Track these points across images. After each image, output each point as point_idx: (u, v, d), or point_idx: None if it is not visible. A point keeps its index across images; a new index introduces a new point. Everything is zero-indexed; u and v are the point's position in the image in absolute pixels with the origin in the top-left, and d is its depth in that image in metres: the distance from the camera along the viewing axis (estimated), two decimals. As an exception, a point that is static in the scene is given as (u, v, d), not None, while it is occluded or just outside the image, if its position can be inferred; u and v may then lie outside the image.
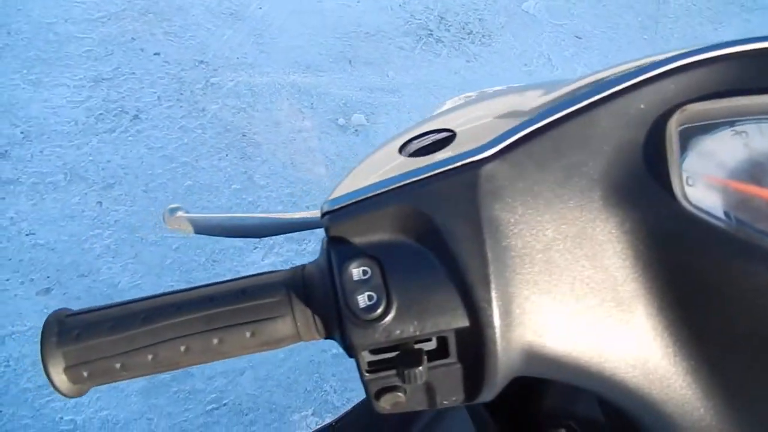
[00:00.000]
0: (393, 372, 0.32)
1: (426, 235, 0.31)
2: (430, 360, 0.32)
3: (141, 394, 1.48)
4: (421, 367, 0.31)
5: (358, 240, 0.32)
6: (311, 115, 2.12)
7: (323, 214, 0.33)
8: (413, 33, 2.48)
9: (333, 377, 1.56)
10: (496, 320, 0.30)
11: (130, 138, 1.96)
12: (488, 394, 0.33)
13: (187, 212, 0.46)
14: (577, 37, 2.59)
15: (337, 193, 0.33)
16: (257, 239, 1.59)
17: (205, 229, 0.44)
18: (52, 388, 0.34)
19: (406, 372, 0.31)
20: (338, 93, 2.20)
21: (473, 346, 0.31)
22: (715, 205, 0.30)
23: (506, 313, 0.30)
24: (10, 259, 1.67)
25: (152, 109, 2.04)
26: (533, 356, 0.31)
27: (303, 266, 0.35)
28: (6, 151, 1.88)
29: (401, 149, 0.37)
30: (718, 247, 0.30)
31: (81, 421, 1.43)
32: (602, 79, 0.32)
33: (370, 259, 0.31)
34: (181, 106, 2.06)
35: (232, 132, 2.02)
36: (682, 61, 0.31)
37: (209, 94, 2.11)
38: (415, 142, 0.37)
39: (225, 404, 1.49)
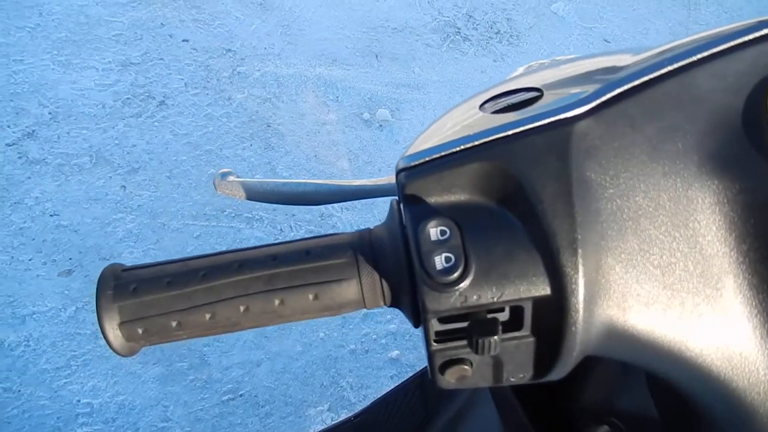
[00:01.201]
0: (463, 342, 0.30)
1: (509, 195, 0.29)
2: (502, 332, 0.30)
3: (158, 381, 1.49)
4: (495, 337, 0.29)
5: (434, 200, 0.30)
6: (336, 108, 2.11)
7: (398, 172, 0.31)
8: (440, 30, 2.46)
9: (350, 373, 1.56)
10: (581, 288, 0.28)
11: (156, 123, 1.96)
12: (559, 372, 0.32)
13: (239, 177, 0.45)
14: (605, 40, 2.55)
15: (412, 150, 0.32)
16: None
17: (257, 195, 0.43)
18: (106, 344, 0.33)
19: (480, 341, 0.29)
20: (364, 87, 2.19)
21: (551, 317, 0.29)
22: None
23: (592, 282, 0.28)
24: (33, 239, 1.68)
25: (179, 95, 2.05)
26: (613, 332, 0.30)
27: (370, 229, 0.34)
28: (33, 131, 1.89)
29: (482, 107, 0.35)
30: None
31: (97, 404, 1.44)
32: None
33: (448, 219, 0.29)
34: (207, 94, 2.06)
35: (256, 122, 2.01)
36: None
37: (236, 83, 2.11)
38: (499, 100, 0.35)
39: (241, 395, 1.49)
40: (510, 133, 0.30)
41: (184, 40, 2.20)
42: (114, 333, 0.32)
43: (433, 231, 0.29)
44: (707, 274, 0.30)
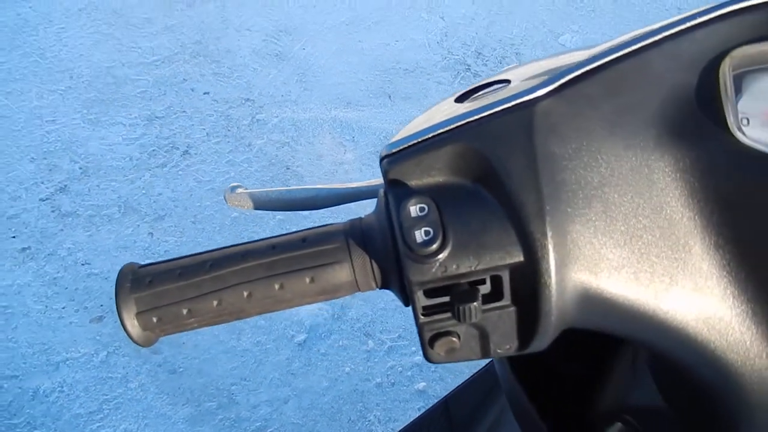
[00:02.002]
0: (447, 315, 0.32)
1: (481, 173, 0.32)
2: (485, 303, 0.32)
3: (187, 421, 1.50)
4: (475, 303, 0.31)
5: (414, 182, 0.33)
6: (353, 148, 2.17)
7: (382, 159, 0.34)
8: (451, 68, 2.53)
9: (377, 407, 1.55)
10: (551, 253, 0.30)
11: (180, 172, 2.04)
12: (541, 341, 0.33)
13: (247, 189, 0.48)
14: (616, 68, 2.59)
15: (394, 139, 0.34)
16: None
17: (264, 204, 0.46)
18: (125, 335, 0.36)
19: (461, 308, 0.31)
20: (378, 126, 2.25)
21: (527, 285, 0.31)
22: None
23: (561, 246, 0.30)
24: (66, 288, 1.74)
25: (201, 144, 2.13)
26: (588, 298, 0.31)
27: (361, 218, 0.36)
28: (65, 185, 1.98)
29: (457, 101, 0.38)
30: None
31: (130, 445, 1.46)
32: (655, 26, 0.33)
33: (426, 197, 0.32)
34: (228, 142, 2.14)
35: (276, 165, 2.08)
36: (733, 6, 0.32)
37: (255, 129, 2.19)
38: (472, 96, 0.38)
39: None
40: (480, 116, 0.33)
41: (205, 93, 2.30)
42: (132, 323, 0.35)
43: (413, 208, 0.32)
44: (674, 238, 0.31)
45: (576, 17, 2.72)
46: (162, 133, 2.15)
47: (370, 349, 1.66)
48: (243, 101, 2.29)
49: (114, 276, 1.69)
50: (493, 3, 2.72)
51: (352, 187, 0.47)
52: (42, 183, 1.99)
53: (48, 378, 1.58)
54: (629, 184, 0.31)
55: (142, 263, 0.37)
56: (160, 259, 0.38)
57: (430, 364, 1.65)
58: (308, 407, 1.55)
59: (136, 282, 0.36)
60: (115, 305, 0.36)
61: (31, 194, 1.95)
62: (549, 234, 0.30)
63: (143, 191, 1.98)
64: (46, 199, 1.95)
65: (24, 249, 1.83)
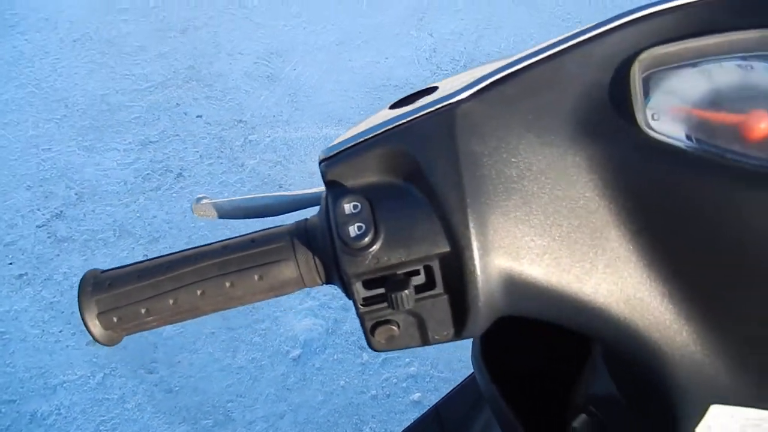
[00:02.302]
0: (385, 305, 0.34)
1: (410, 172, 0.34)
2: (419, 292, 0.34)
3: (184, 439, 1.51)
4: (407, 291, 0.33)
5: (350, 182, 0.35)
6: (344, 164, 2.19)
7: (320, 162, 0.36)
8: (441, 83, 2.56)
9: (373, 419, 1.55)
10: (473, 242, 0.32)
11: (174, 195, 2.07)
12: (474, 327, 0.35)
13: (212, 199, 0.50)
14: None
15: (332, 144, 0.37)
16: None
17: (227, 212, 0.48)
18: (89, 336, 0.38)
19: (393, 296, 0.33)
20: (370, 143, 2.27)
21: (456, 274, 0.33)
22: (678, 132, 0.32)
23: (482, 235, 0.32)
24: (62, 312, 1.76)
25: (195, 166, 2.16)
26: (513, 284, 0.33)
27: (306, 219, 0.39)
28: (61, 212, 2.01)
29: (391, 108, 0.40)
30: (682, 167, 0.32)
31: (126, 466, 1.46)
32: (571, 33, 0.35)
33: (360, 195, 0.34)
34: (221, 163, 2.17)
35: (269, 184, 2.10)
36: (641, 12, 0.34)
37: (247, 150, 2.22)
38: (405, 103, 0.40)
39: (265, 447, 1.49)
40: (407, 120, 0.35)
41: (198, 116, 2.34)
42: (93, 323, 0.37)
43: (347, 206, 0.34)
44: (592, 226, 0.33)
45: (563, 29, 2.76)
46: (156, 157, 2.18)
47: (365, 362, 1.66)
48: (235, 123, 2.32)
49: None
50: (482, 18, 2.76)
51: (309, 193, 0.49)
52: (38, 210, 2.02)
53: (45, 401, 1.59)
54: (547, 177, 0.33)
55: (104, 269, 0.39)
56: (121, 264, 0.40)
57: (425, 375, 1.65)
58: (304, 422, 1.55)
59: (98, 285, 0.38)
60: (78, 308, 0.38)
61: (28, 221, 1.98)
62: (471, 225, 0.32)
63: (138, 214, 2.01)
64: (43, 225, 1.98)
65: (21, 275, 1.85)
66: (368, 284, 0.34)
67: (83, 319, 0.37)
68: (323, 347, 1.70)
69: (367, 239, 0.33)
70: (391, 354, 1.68)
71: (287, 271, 0.37)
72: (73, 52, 2.57)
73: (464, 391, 0.75)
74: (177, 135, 2.26)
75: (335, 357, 1.68)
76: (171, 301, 0.37)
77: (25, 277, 1.85)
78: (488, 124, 0.34)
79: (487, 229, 0.32)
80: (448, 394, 0.75)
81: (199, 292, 0.37)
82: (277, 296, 0.39)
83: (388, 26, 2.74)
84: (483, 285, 0.33)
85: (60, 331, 1.72)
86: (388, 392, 1.61)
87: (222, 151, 2.22)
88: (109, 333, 0.38)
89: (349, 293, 0.36)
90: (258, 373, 1.65)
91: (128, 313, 0.37)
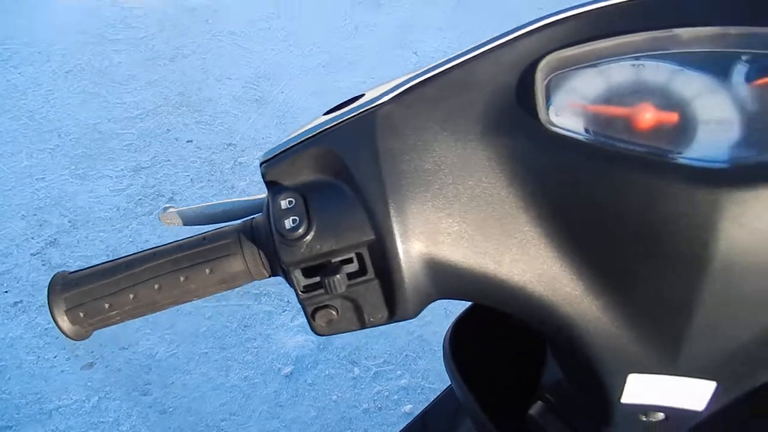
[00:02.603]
0: (322, 290, 0.37)
1: (339, 169, 0.37)
2: (353, 278, 0.37)
3: (178, 459, 1.52)
4: (338, 275, 0.36)
5: (287, 181, 0.39)
6: (333, 183, 2.23)
7: (260, 164, 0.40)
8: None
9: (364, 432, 1.57)
10: (395, 229, 0.35)
11: (165, 218, 2.10)
12: (406, 309, 0.38)
13: (177, 208, 0.54)
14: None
15: (271, 148, 0.40)
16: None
17: (191, 219, 0.51)
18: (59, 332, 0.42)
19: (327, 281, 0.36)
20: (358, 161, 2.31)
21: (383, 260, 0.36)
22: (576, 125, 0.35)
23: (403, 223, 0.35)
24: (57, 338, 1.78)
25: (186, 190, 2.20)
26: (435, 267, 0.36)
27: (254, 217, 0.42)
28: (55, 239, 2.05)
29: (325, 114, 0.44)
30: (580, 156, 0.35)
31: (122, 488, 1.47)
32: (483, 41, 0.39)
33: (295, 192, 0.38)
34: (212, 186, 2.21)
35: (259, 205, 2.14)
36: (544, 21, 0.38)
37: (237, 172, 2.26)
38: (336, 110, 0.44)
39: (258, 464, 1.51)
40: (335, 123, 0.38)
41: (188, 141, 2.38)
42: (62, 318, 0.41)
43: (283, 202, 0.37)
44: (503, 212, 0.36)
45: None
46: (148, 182, 2.22)
47: (356, 376, 1.68)
48: (225, 146, 2.37)
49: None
50: (465, 35, 2.82)
51: (264, 197, 0.53)
52: (32, 238, 2.05)
53: (41, 426, 1.60)
54: (460, 170, 0.36)
55: (73, 270, 0.43)
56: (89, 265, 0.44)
57: (416, 387, 1.67)
58: (297, 438, 1.56)
59: (66, 284, 0.42)
60: (47, 306, 0.42)
61: (22, 250, 2.02)
62: (392, 214, 0.36)
63: (130, 239, 2.04)
64: (37, 253, 2.01)
65: (16, 303, 1.88)
66: (307, 273, 0.38)
67: (52, 316, 0.41)
68: (315, 363, 1.72)
69: (301, 230, 0.36)
70: (382, 367, 1.70)
71: (235, 264, 0.41)
72: (65, 83, 2.63)
73: (449, 397, 0.77)
74: (168, 160, 2.31)
75: (327, 372, 1.70)
76: (131, 296, 0.41)
77: (20, 304, 1.87)
78: (406, 123, 0.37)
79: (407, 217, 0.36)
80: (433, 401, 0.77)
81: (156, 287, 0.41)
82: (228, 288, 0.43)
83: (373, 47, 2.80)
84: (407, 269, 0.36)
85: (55, 357, 1.74)
86: (379, 405, 1.62)
87: (212, 174, 2.26)
88: (77, 328, 0.42)
89: (289, 281, 0.39)
90: (251, 390, 1.67)
91: (93, 309, 0.41)
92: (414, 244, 0.36)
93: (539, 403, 0.50)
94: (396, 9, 3.02)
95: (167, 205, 0.55)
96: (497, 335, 0.56)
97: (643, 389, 0.39)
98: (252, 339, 1.78)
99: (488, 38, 0.39)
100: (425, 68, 0.40)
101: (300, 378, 1.69)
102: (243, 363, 1.72)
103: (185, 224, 0.54)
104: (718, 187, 0.32)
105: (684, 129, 0.34)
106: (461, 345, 0.57)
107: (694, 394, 0.39)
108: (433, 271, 0.37)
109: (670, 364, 0.37)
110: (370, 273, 0.37)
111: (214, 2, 3.07)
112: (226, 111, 2.52)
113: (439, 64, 0.39)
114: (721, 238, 0.33)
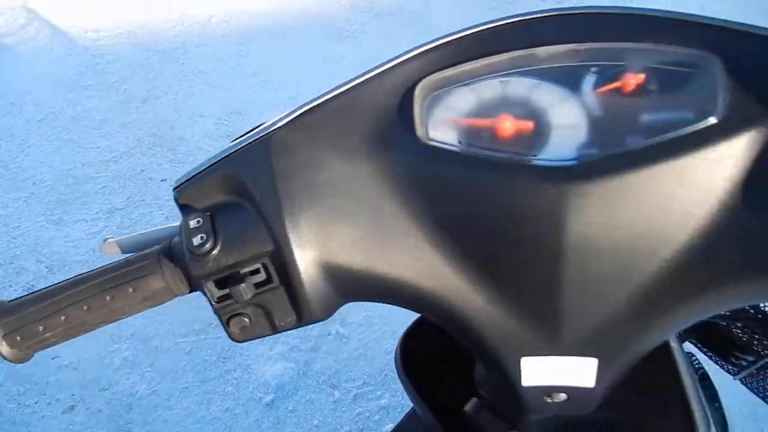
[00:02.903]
0: (233, 300, 0.41)
1: (241, 190, 0.41)
2: (261, 287, 0.41)
3: (162, 496, 1.52)
4: (244, 284, 0.40)
5: (197, 203, 0.43)
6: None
7: (173, 189, 0.44)
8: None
9: (347, 454, 1.58)
10: (290, 239, 0.39)
11: (142, 257, 2.12)
12: (312, 312, 0.41)
13: (116, 238, 0.57)
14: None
15: (183, 174, 0.44)
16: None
17: (130, 247, 0.55)
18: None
19: (233, 290, 0.40)
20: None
21: (285, 268, 0.40)
22: (451, 138, 0.40)
23: (297, 233, 0.39)
24: (37, 383, 1.79)
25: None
26: (332, 271, 0.40)
27: (173, 238, 0.46)
28: (32, 285, 2.06)
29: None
30: (453, 165, 0.39)
31: None
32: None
33: (202, 212, 0.42)
34: (187, 222, 2.24)
35: (234, 237, 2.17)
36: (422, 48, 0.42)
37: (212, 207, 2.29)
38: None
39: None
40: (236, 149, 0.43)
41: (162, 180, 2.42)
42: (0, 343, 0.44)
43: (192, 222, 0.42)
44: (392, 218, 0.40)
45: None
46: (123, 223, 2.25)
47: (337, 399, 1.70)
48: (199, 182, 2.40)
49: (83, 364, 1.74)
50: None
51: None
52: (10, 286, 2.06)
53: (23, 474, 1.60)
54: (349, 183, 0.41)
55: (9, 299, 0.47)
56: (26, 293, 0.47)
57: (397, 406, 1.68)
58: (280, 465, 1.57)
59: (2, 312, 0.45)
60: None
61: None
62: (287, 226, 0.40)
63: (107, 280, 2.05)
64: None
65: (-5, 352, 1.88)
66: (220, 284, 0.42)
67: None
68: (295, 389, 1.73)
69: (207, 246, 0.40)
70: (362, 389, 1.71)
71: (155, 282, 0.44)
72: (39, 131, 2.67)
73: (415, 415, 0.79)
74: (143, 200, 2.34)
75: (308, 398, 1.71)
76: (63, 318, 0.44)
77: (-1, 353, 1.88)
78: (298, 145, 0.41)
79: (301, 227, 0.40)
80: (401, 420, 0.79)
81: (85, 308, 0.44)
82: (153, 305, 0.46)
83: (342, 76, 2.86)
84: (305, 274, 0.40)
85: (35, 403, 1.74)
86: (361, 426, 1.63)
87: (187, 211, 2.28)
88: (15, 351, 0.45)
89: (204, 293, 0.43)
90: (232, 422, 1.67)
91: (29, 332, 0.44)
92: (309, 252, 0.40)
93: (473, 399, 0.54)
94: (360, 43, 3.10)
95: (107, 237, 0.59)
96: (444, 342, 0.59)
97: (537, 371, 0.43)
98: (232, 370, 1.79)
99: (375, 66, 0.44)
100: (317, 96, 0.44)
101: (281, 405, 1.70)
102: (224, 395, 1.73)
103: (124, 252, 0.58)
104: (566, 182, 0.37)
105: (539, 134, 0.39)
106: (412, 356, 0.60)
107: (581, 371, 0.42)
108: (331, 275, 0.41)
109: (553, 344, 0.41)
110: (276, 281, 0.41)
111: (183, 44, 3.13)
112: (199, 148, 2.56)
113: (329, 91, 0.43)
114: (571, 226, 0.37)
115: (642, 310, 0.39)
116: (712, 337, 0.67)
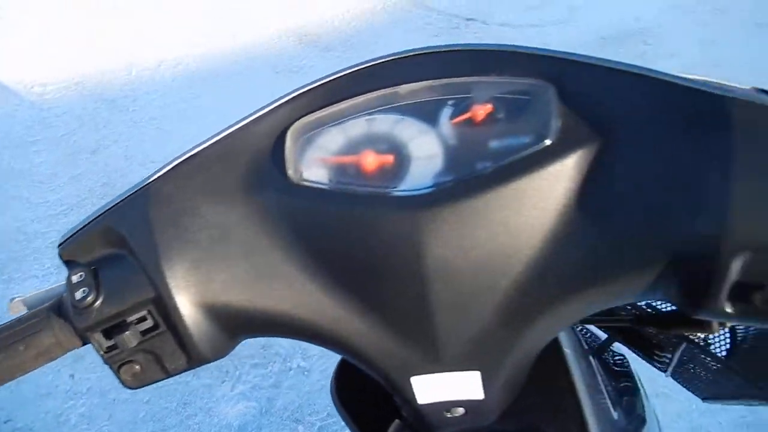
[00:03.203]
0: (120, 349, 0.41)
1: (121, 241, 0.42)
2: (148, 333, 0.41)
3: None
4: (127, 332, 0.40)
5: (81, 257, 0.43)
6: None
7: (58, 246, 0.44)
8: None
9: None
10: (170, 285, 0.40)
11: (96, 308, 2.08)
12: (200, 353, 0.42)
13: (23, 296, 0.56)
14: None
15: (66, 231, 0.45)
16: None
17: (36, 303, 0.55)
18: None
19: (117, 338, 0.40)
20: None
21: (168, 313, 0.40)
22: (321, 176, 0.41)
23: (175, 278, 0.40)
24: (-10, 449, 1.72)
25: (115, 277, 2.18)
26: (215, 311, 0.41)
27: (63, 295, 0.46)
28: (-17, 348, 1.99)
29: None
30: (322, 201, 0.40)
31: None
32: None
33: (85, 266, 0.42)
34: (141, 269, 2.20)
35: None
36: (292, 94, 0.44)
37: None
38: None
39: None
40: (117, 202, 0.44)
41: (115, 229, 2.38)
42: None
43: (75, 276, 0.42)
44: (269, 256, 0.41)
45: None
46: (76, 276, 2.20)
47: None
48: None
49: (38, 425, 1.69)
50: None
51: None
52: (-41, 351, 1.99)
53: None
54: (225, 226, 0.42)
55: None
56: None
57: (363, 436, 1.65)
58: None
59: None
60: None
61: (-51, 365, 1.95)
62: (165, 272, 0.40)
63: (60, 335, 2.00)
64: (-36, 365, 1.95)
65: (-56, 421, 1.81)
66: (108, 335, 0.42)
67: None
68: (258, 428, 1.69)
69: (89, 298, 0.40)
70: (326, 420, 1.68)
71: (46, 339, 0.44)
72: (-14, 190, 2.62)
73: None
74: (95, 250, 2.30)
75: (271, 436, 1.67)
76: None
77: (-52, 422, 1.80)
78: (174, 194, 0.42)
79: (180, 273, 0.40)
80: None
81: None
82: (47, 361, 0.46)
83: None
84: (189, 317, 0.41)
85: (-12, 470, 1.67)
86: (328, 459, 1.60)
87: (142, 257, 2.25)
88: None
89: (92, 345, 0.42)
90: (195, 469, 1.63)
91: None
92: (190, 295, 0.41)
93: (396, 421, 0.53)
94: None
95: (14, 296, 0.58)
96: None
97: (428, 389, 0.44)
98: (193, 415, 1.75)
99: (248, 114, 0.45)
100: (194, 145, 0.45)
101: (244, 447, 1.66)
102: (185, 443, 1.69)
103: (29, 309, 0.57)
104: (422, 209, 0.39)
105: (399, 166, 0.40)
106: (347, 383, 0.60)
107: (468, 385, 0.44)
108: (215, 315, 0.41)
109: (436, 362, 0.42)
110: (162, 326, 0.42)
111: (133, 91, 3.14)
112: (151, 193, 2.54)
113: (206, 139, 0.45)
114: (429, 250, 0.38)
115: (509, 321, 0.40)
116: (634, 338, 0.68)
